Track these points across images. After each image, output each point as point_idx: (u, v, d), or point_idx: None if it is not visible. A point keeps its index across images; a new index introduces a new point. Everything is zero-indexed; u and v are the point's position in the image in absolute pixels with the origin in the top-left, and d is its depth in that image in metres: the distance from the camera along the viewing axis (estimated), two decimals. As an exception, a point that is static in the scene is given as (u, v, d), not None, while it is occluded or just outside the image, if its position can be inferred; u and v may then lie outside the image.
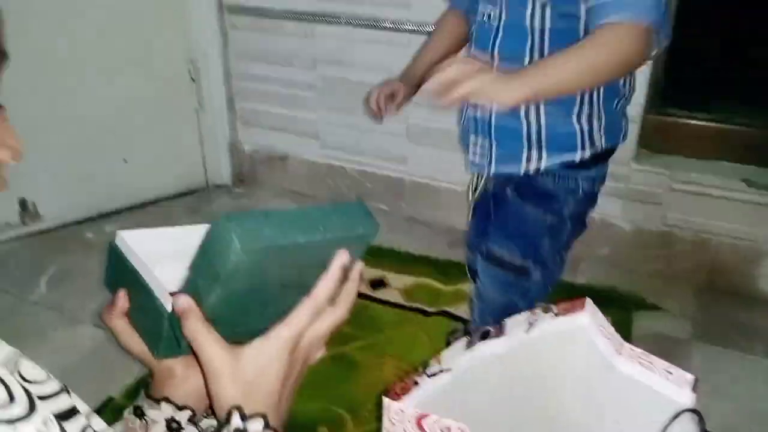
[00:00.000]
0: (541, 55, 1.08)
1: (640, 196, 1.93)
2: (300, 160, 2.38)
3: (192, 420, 0.56)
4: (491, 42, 1.12)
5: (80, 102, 2.03)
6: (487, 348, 0.75)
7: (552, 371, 0.82)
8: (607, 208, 1.97)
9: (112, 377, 1.47)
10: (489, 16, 1.11)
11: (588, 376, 0.81)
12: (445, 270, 1.85)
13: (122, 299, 0.58)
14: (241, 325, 0.54)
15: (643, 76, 1.81)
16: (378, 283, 1.82)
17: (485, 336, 0.75)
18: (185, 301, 0.50)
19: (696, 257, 1.90)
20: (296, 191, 2.38)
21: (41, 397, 0.37)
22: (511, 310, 0.81)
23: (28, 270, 1.86)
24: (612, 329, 0.78)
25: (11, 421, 0.30)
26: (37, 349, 1.56)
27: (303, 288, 0.53)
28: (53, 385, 0.39)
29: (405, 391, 0.68)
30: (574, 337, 0.82)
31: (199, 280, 0.50)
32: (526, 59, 1.10)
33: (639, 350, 0.75)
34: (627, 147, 1.90)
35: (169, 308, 0.53)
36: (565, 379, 0.83)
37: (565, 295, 1.93)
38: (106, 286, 0.61)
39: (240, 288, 0.50)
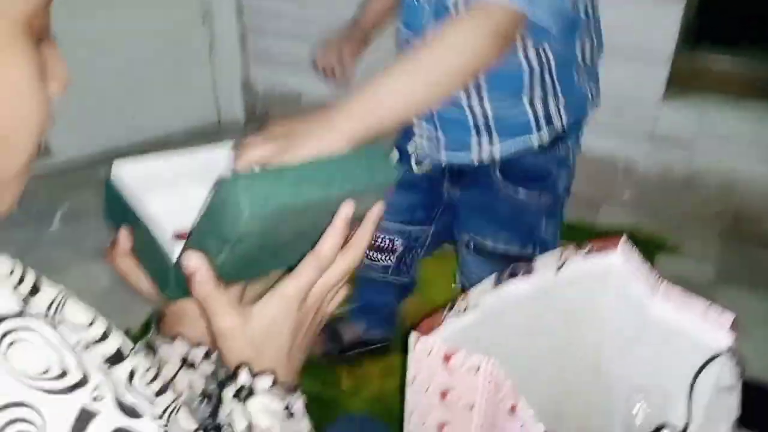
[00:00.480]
0: None
1: (666, 138, 1.87)
2: (314, 98, 2.33)
3: (207, 356, 0.55)
4: (422, 21, 0.94)
5: (92, 39, 1.98)
6: (514, 286, 0.72)
7: (581, 312, 0.79)
8: (631, 151, 1.92)
9: (129, 313, 1.47)
10: None
11: (619, 317, 0.78)
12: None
13: (124, 238, 0.55)
14: (252, 274, 0.53)
15: (674, 14, 1.72)
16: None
17: (513, 274, 0.72)
18: (196, 261, 0.48)
19: (722, 202, 1.85)
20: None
21: (88, 344, 0.38)
22: None
23: (42, 206, 1.85)
24: (647, 269, 0.75)
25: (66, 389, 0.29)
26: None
27: (319, 233, 0.51)
28: (99, 327, 0.39)
29: (432, 327, 0.65)
30: (606, 277, 0.79)
31: (207, 239, 0.48)
32: None
33: (676, 290, 0.72)
34: (655, 87, 1.83)
35: (173, 253, 0.51)
36: (595, 320, 0.80)
37: (584, 237, 1.88)
38: (107, 221, 0.59)
39: (251, 247, 0.49)
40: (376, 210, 0.53)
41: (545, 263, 0.74)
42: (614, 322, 0.79)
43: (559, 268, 0.75)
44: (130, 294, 1.57)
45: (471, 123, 1.00)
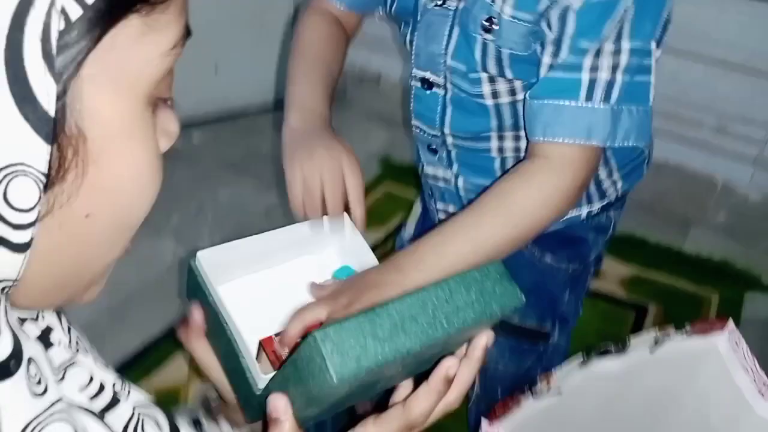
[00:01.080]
0: (516, 129, 0.76)
1: (774, 164, 1.71)
2: (394, 82, 2.25)
3: None
4: (438, 117, 0.79)
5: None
6: (603, 366, 0.65)
7: (672, 397, 0.71)
8: (734, 173, 1.76)
9: (191, 296, 1.47)
10: (427, 83, 0.77)
11: (715, 410, 0.70)
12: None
13: (197, 318, 0.52)
14: (336, 410, 0.50)
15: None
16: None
17: (605, 352, 0.64)
18: (281, 409, 0.44)
19: (828, 238, 1.69)
20: (388, 115, 2.26)
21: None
22: (525, 379, 0.65)
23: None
24: (755, 362, 0.66)
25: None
26: (118, 260, 1.58)
27: (425, 361, 0.46)
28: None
29: (505, 412, 0.59)
30: (706, 363, 0.70)
31: (293, 389, 0.43)
32: (494, 144, 0.79)
33: (791, 396, 0.62)
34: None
35: (259, 378, 0.49)
36: (687, 407, 0.72)
37: (668, 261, 1.74)
38: (187, 299, 0.56)
39: (337, 398, 0.44)
40: (483, 342, 0.47)
41: (641, 340, 0.66)
42: (709, 413, 0.70)
43: (655, 346, 0.67)
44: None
45: None
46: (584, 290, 0.97)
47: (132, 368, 1.30)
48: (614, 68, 0.62)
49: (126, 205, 0.29)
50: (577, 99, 0.63)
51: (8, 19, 0.22)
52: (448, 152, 0.82)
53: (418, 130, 0.84)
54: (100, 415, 0.32)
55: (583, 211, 0.86)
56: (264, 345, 0.54)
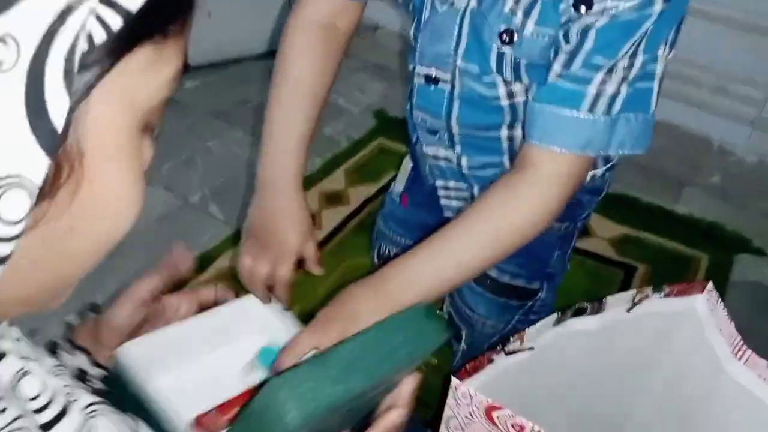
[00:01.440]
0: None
1: (772, 125, 1.69)
2: (392, 32, 2.20)
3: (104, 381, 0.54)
4: (444, 110, 0.75)
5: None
6: (578, 324, 0.64)
7: (648, 357, 0.71)
8: (731, 134, 1.74)
9: (191, 238, 1.46)
10: (432, 79, 0.73)
11: (690, 370, 0.70)
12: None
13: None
14: None
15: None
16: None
17: (580, 312, 0.64)
18: None
19: (822, 203, 1.68)
20: (384, 67, 2.21)
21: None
22: (511, 333, 0.68)
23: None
24: (732, 327, 0.66)
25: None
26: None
27: (367, 404, 0.50)
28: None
29: (477, 369, 0.59)
30: (682, 324, 0.70)
31: None
32: (504, 133, 0.76)
33: (763, 361, 0.62)
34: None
35: None
36: (661, 368, 0.72)
37: (659, 222, 1.74)
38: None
39: None
40: (410, 386, 0.52)
41: (617, 301, 0.65)
42: (682, 374, 0.71)
43: (632, 307, 0.67)
44: (183, 226, 1.56)
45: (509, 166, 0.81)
46: (571, 247, 0.97)
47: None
48: (621, 82, 0.61)
49: (110, 223, 0.30)
50: (579, 110, 0.61)
51: (41, 33, 0.22)
52: (451, 135, 0.78)
53: (418, 120, 0.80)
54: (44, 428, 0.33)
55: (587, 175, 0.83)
56: (200, 422, 0.52)
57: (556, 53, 0.62)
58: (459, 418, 0.58)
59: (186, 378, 0.58)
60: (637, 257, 1.53)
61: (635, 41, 0.59)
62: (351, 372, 0.45)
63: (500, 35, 0.64)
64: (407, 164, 1.00)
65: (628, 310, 0.67)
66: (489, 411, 0.55)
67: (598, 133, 0.62)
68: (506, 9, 0.63)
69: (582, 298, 1.50)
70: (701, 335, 0.68)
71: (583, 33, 0.59)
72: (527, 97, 0.69)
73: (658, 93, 0.64)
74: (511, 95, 0.70)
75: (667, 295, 0.68)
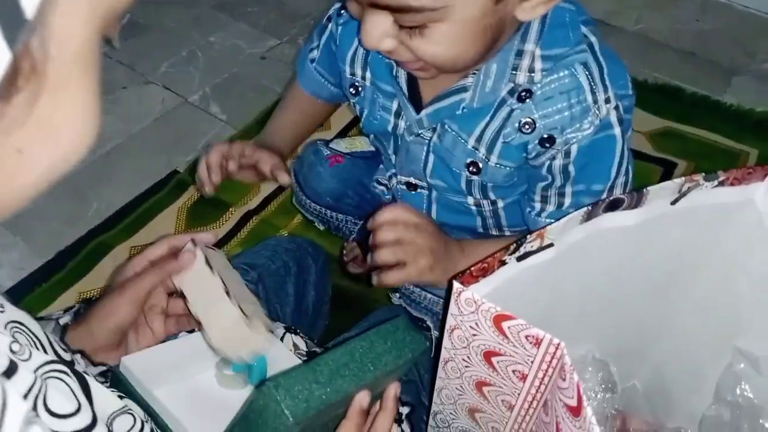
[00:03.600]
0: (498, 227, 0.85)
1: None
2: None
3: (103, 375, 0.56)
4: (425, 210, 0.84)
5: None
6: (611, 220, 0.53)
7: (694, 256, 0.60)
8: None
9: (179, 148, 1.37)
10: (412, 185, 0.82)
11: (744, 270, 0.59)
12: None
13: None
14: None
15: None
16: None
17: (614, 206, 0.53)
18: None
19: None
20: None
21: None
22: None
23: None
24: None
25: None
26: (107, 108, 1.47)
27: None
28: (85, 417, 0.35)
29: (485, 272, 0.49)
30: (738, 217, 0.58)
31: None
32: (478, 226, 0.86)
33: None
34: None
35: None
36: (709, 268, 0.61)
37: (704, 113, 1.57)
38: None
39: None
40: (393, 392, 0.55)
41: (661, 192, 0.54)
42: (737, 273, 0.60)
43: (679, 198, 0.55)
44: (181, 127, 1.47)
45: (480, 225, 0.86)
46: None
47: (116, 227, 1.23)
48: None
49: (63, 151, 0.27)
50: None
51: None
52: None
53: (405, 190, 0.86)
54: None
55: None
56: None
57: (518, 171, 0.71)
58: (463, 328, 0.49)
59: (187, 389, 0.62)
60: (678, 152, 1.39)
61: (620, 163, 0.68)
62: (338, 376, 0.49)
63: (467, 166, 0.72)
64: (367, 142, 0.96)
65: (674, 202, 0.55)
66: (498, 320, 0.46)
67: None
68: (469, 146, 0.70)
69: None
70: (761, 229, 0.57)
71: (564, 169, 0.68)
72: (494, 208, 0.80)
73: None
74: (479, 205, 0.80)
75: (721, 184, 0.56)
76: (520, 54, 0.64)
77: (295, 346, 0.71)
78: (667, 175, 1.34)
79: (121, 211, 1.25)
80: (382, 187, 0.95)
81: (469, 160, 0.72)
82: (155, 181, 1.30)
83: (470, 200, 0.79)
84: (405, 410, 0.75)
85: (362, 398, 0.52)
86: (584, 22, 0.66)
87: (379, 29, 0.57)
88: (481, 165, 0.71)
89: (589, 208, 0.51)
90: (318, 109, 0.93)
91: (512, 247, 0.49)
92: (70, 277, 1.13)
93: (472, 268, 0.48)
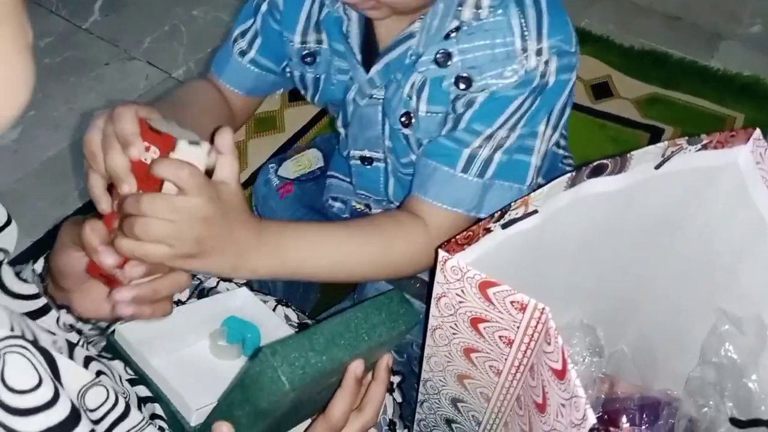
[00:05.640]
0: None
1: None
2: None
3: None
4: (383, 187, 0.78)
5: None
6: (595, 185, 0.54)
7: (675, 219, 0.61)
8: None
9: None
10: (367, 159, 0.76)
11: (727, 233, 0.60)
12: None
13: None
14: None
15: None
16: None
17: (598, 171, 0.53)
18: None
19: None
20: None
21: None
22: None
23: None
24: (785, 179, 0.55)
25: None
26: (89, 85, 1.45)
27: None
28: (46, 391, 0.33)
29: (470, 240, 0.49)
30: (721, 179, 0.59)
31: (238, 410, 0.50)
32: None
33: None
34: None
35: (191, 420, 0.55)
36: (691, 230, 0.62)
37: (691, 79, 1.55)
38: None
39: (282, 412, 0.51)
40: (385, 362, 0.56)
41: (645, 156, 0.54)
42: (719, 236, 0.61)
43: (663, 162, 0.56)
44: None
45: None
46: None
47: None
48: (496, 148, 0.63)
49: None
50: (454, 168, 0.63)
51: None
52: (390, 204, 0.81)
53: (362, 197, 0.83)
54: None
55: None
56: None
57: (445, 122, 0.65)
58: (450, 296, 0.50)
59: (182, 358, 0.62)
60: (665, 118, 1.39)
61: (513, 114, 0.62)
62: (334, 345, 0.50)
63: (400, 118, 0.67)
64: (314, 156, 0.91)
65: (658, 167, 0.56)
66: (483, 287, 0.46)
67: (469, 193, 0.63)
68: (404, 94, 0.66)
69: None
70: (743, 192, 0.58)
71: (467, 104, 0.63)
72: None
73: (538, 169, 0.65)
74: None
75: (704, 147, 0.57)
76: None
77: (287, 317, 0.72)
78: (654, 141, 1.35)
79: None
80: (338, 204, 0.88)
81: (402, 110, 0.67)
82: (141, 158, 1.29)
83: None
84: (396, 379, 0.76)
85: (357, 367, 0.52)
86: None
87: None
88: (413, 115, 0.67)
89: (573, 173, 0.52)
90: (239, 109, 0.78)
91: (497, 215, 0.49)
92: (59, 257, 1.12)
93: (457, 236, 0.48)
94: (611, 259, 0.62)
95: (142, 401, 0.54)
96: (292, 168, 0.92)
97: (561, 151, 0.83)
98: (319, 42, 0.72)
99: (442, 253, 0.46)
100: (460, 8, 0.61)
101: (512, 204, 0.50)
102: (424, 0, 0.60)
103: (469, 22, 0.61)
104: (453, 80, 0.63)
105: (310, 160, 0.92)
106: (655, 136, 1.36)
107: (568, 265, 0.60)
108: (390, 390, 0.75)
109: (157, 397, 0.56)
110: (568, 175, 0.51)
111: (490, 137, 0.62)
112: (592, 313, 0.71)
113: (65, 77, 1.45)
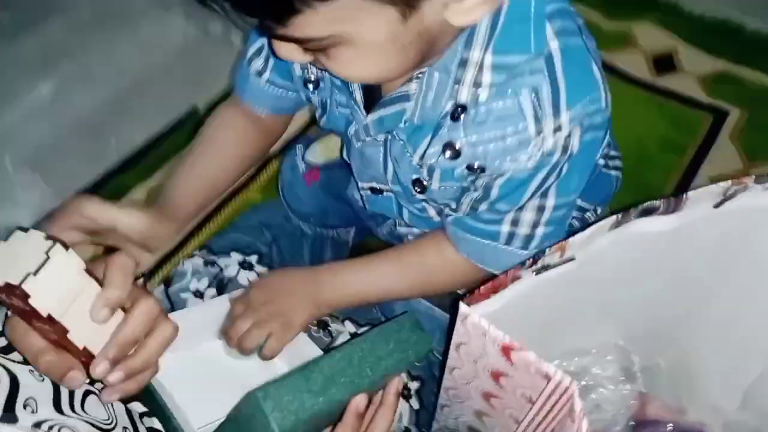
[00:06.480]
0: None
1: None
2: None
3: None
4: (396, 212, 0.74)
5: None
6: (642, 225, 0.48)
7: (732, 253, 0.54)
8: None
9: (200, 83, 1.32)
10: (377, 190, 0.72)
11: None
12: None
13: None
14: None
15: None
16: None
17: (647, 213, 0.47)
18: None
19: None
20: None
21: None
22: None
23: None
24: None
25: None
26: (124, 40, 1.41)
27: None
28: None
29: (495, 289, 0.44)
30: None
31: None
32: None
33: None
34: None
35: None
36: (746, 265, 0.55)
37: (766, 55, 1.39)
38: None
39: None
40: (395, 387, 0.54)
41: (704, 194, 0.48)
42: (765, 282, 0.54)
43: (723, 202, 0.49)
44: (203, 61, 1.40)
45: None
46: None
47: (133, 167, 1.21)
48: (535, 224, 0.60)
49: None
50: (497, 242, 0.62)
51: None
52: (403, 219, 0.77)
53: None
54: None
55: None
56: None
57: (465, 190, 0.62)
58: (470, 347, 0.46)
59: (191, 360, 0.62)
60: (733, 99, 1.27)
61: (537, 190, 0.58)
62: (333, 384, 0.47)
63: (413, 183, 0.64)
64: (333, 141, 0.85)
65: (717, 205, 0.49)
66: (506, 350, 0.42)
67: (516, 259, 0.61)
68: (414, 162, 0.61)
69: (656, 146, 1.27)
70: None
71: (487, 187, 0.59)
72: None
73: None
74: (441, 213, 0.69)
75: (773, 186, 0.50)
76: (463, 64, 0.53)
77: None
78: (717, 125, 1.24)
79: (139, 151, 1.22)
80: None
81: (414, 177, 0.63)
82: (174, 117, 1.26)
83: (431, 211, 0.69)
84: (414, 385, 0.73)
85: (359, 402, 0.50)
86: (555, 14, 0.53)
87: (287, 51, 0.50)
88: (425, 184, 0.63)
89: (619, 216, 0.46)
90: (269, 126, 0.76)
91: (528, 262, 0.44)
92: (89, 221, 1.12)
93: (481, 288, 0.43)
94: (655, 291, 0.57)
95: (140, 416, 0.53)
96: (319, 151, 0.88)
97: (606, 150, 0.76)
98: (322, 69, 0.64)
99: (463, 308, 0.42)
100: (457, 86, 0.54)
101: (546, 250, 0.45)
102: (401, 74, 0.53)
103: (472, 105, 0.54)
104: (465, 167, 0.57)
105: (338, 142, 0.86)
106: (719, 119, 1.25)
107: (605, 294, 0.55)
108: (407, 396, 0.73)
109: (159, 411, 0.54)
110: (613, 218, 0.46)
111: (520, 214, 0.60)
112: (629, 334, 0.67)
113: (102, 29, 1.42)
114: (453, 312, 0.44)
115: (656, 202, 0.46)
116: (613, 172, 0.78)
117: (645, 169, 1.14)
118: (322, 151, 0.87)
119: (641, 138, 1.18)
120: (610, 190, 0.79)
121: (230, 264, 0.79)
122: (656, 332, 0.67)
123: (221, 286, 0.77)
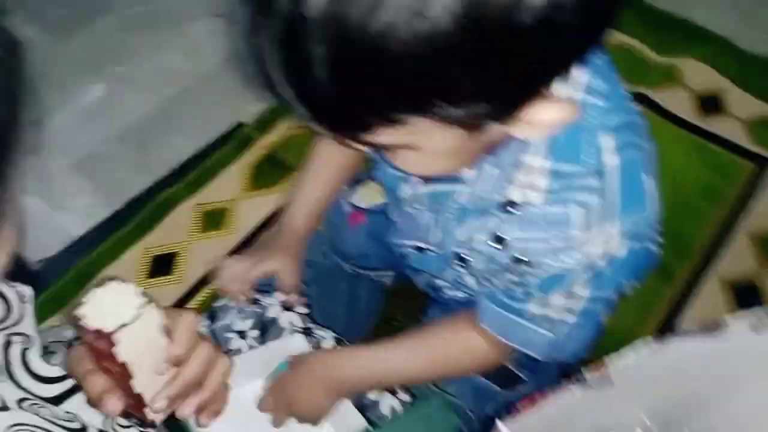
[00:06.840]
0: None
1: None
2: None
3: None
4: (437, 271, 0.76)
5: None
6: (683, 347, 0.49)
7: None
8: None
9: (246, 95, 1.33)
10: (421, 249, 0.74)
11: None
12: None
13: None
14: None
15: None
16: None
17: (687, 335, 0.48)
18: None
19: None
20: None
21: None
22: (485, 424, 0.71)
23: None
24: None
25: None
26: (172, 45, 1.42)
27: None
28: None
29: (528, 406, 0.46)
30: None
31: None
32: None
33: None
34: None
35: None
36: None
37: (669, 37, 1.36)
38: None
39: None
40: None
41: (744, 320, 0.49)
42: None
43: (762, 326, 0.50)
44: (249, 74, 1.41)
45: None
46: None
47: (180, 179, 1.23)
48: (565, 310, 0.62)
49: None
50: (523, 318, 0.64)
51: None
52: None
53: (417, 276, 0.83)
54: None
55: None
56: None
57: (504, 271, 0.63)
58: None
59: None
60: (780, 149, 1.25)
61: (574, 286, 0.59)
62: None
63: (455, 256, 0.66)
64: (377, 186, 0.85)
65: (759, 330, 0.50)
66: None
67: (538, 341, 0.65)
68: (459, 238, 0.64)
69: (693, 192, 1.24)
70: None
71: (524, 273, 0.60)
72: None
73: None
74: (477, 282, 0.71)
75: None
76: (519, 164, 0.55)
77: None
78: (759, 174, 1.22)
79: (186, 164, 1.24)
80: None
81: (458, 251, 0.66)
82: (220, 130, 1.29)
83: (469, 280, 0.70)
84: None
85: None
86: (623, 127, 0.54)
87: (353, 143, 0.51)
88: (467, 261, 0.65)
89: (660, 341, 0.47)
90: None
91: (563, 385, 0.46)
92: (136, 232, 1.15)
93: (519, 403, 0.45)
94: (689, 394, 0.58)
95: None
96: (363, 194, 0.89)
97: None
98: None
99: (499, 425, 0.44)
100: (510, 185, 0.56)
101: (585, 372, 0.46)
102: (458, 170, 0.56)
103: (524, 204, 0.56)
104: (508, 257, 0.60)
105: (379, 189, 0.88)
106: (761, 169, 1.23)
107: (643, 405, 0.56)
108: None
109: None
110: (656, 346, 0.47)
111: (552, 302, 0.61)
112: (656, 413, 0.68)
113: (150, 31, 1.43)
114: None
115: (694, 328, 0.47)
116: (653, 248, 0.78)
117: (680, 216, 1.13)
118: (366, 195, 0.89)
119: (678, 181, 1.16)
120: (647, 267, 0.79)
121: (273, 303, 0.82)
122: (687, 412, 0.68)
123: (264, 328, 0.80)
